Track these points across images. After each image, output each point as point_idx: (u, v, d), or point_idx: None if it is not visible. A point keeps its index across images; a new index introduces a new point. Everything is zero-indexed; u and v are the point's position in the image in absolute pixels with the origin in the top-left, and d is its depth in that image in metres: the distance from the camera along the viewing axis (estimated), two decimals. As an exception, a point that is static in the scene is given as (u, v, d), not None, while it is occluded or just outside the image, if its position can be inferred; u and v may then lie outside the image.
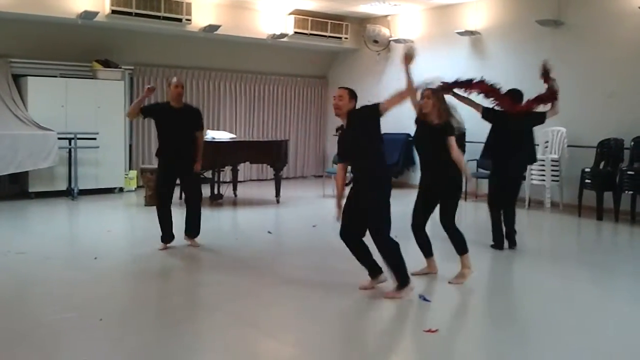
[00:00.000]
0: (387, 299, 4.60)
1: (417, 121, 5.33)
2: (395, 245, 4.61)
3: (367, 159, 4.64)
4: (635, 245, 7.40)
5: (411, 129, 12.51)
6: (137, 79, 11.09)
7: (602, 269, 5.93)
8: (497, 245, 6.49)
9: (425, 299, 4.63)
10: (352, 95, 4.73)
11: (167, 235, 6.34)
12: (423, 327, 4.05)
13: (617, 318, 4.43)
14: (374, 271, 4.85)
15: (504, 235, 6.54)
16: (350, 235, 4.74)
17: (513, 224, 6.56)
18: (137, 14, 9.83)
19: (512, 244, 6.55)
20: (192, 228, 6.46)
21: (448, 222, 5.18)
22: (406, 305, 4.62)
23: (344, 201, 4.75)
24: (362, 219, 4.62)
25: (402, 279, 4.63)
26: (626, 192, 8.13)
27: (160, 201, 6.35)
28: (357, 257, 4.85)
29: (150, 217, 8.36)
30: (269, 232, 7.42)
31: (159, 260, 5.91)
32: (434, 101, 5.13)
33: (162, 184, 6.33)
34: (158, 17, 10.04)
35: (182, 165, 6.25)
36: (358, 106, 4.74)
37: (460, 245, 5.20)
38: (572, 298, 4.94)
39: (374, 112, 4.61)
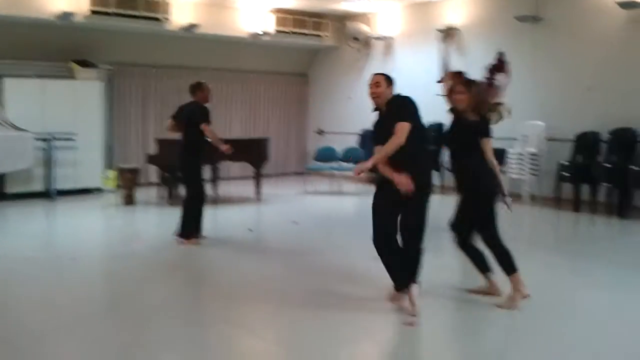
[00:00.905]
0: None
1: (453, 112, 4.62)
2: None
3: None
4: (613, 235, 7.48)
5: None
6: (116, 79, 11.03)
7: (580, 259, 5.99)
8: None
9: None
10: (389, 81, 4.41)
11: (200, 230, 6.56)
12: (403, 321, 4.06)
13: (596, 305, 4.47)
14: (404, 282, 4.28)
15: None
16: (389, 237, 4.24)
17: None
18: (115, 14, 9.77)
19: None
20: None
21: (485, 236, 4.50)
22: (386, 299, 4.63)
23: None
24: (395, 216, 4.22)
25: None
26: (603, 184, 8.23)
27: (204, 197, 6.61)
28: (392, 264, 4.29)
29: (129, 217, 8.34)
30: (250, 229, 7.40)
31: (137, 260, 5.86)
32: (469, 95, 4.46)
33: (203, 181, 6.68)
34: (137, 17, 9.99)
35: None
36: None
37: (504, 263, 4.44)
38: (552, 287, 4.98)
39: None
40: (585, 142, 8.68)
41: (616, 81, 8.66)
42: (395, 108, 4.28)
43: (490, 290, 4.53)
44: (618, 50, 8.66)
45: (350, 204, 9.83)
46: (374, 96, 4.36)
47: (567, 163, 8.61)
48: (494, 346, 3.76)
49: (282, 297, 4.71)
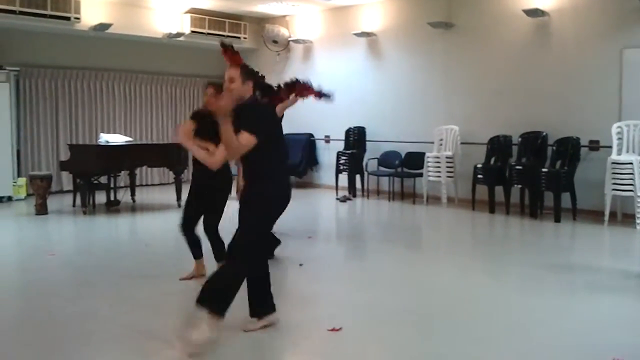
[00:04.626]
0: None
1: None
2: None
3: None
4: (525, 236, 7.81)
5: (314, 129, 12.62)
6: (24, 81, 10.52)
7: (494, 260, 6.21)
8: None
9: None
10: (248, 76, 3.85)
11: None
12: (326, 327, 4.06)
13: (510, 307, 4.64)
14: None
15: None
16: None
17: None
18: (21, 12, 9.32)
19: None
20: None
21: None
22: (308, 305, 4.63)
23: None
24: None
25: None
26: (515, 185, 8.58)
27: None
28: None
29: (41, 227, 7.95)
30: (146, 245, 7.21)
31: (48, 273, 5.59)
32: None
33: None
34: (44, 16, 9.57)
35: None
36: None
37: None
38: (468, 289, 5.14)
39: None
40: (498, 145, 9.04)
41: (525, 86, 9.07)
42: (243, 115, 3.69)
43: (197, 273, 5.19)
44: (525, 56, 9.08)
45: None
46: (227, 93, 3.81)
47: (481, 166, 8.93)
48: (415, 350, 3.83)
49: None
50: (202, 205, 5.04)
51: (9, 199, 9.78)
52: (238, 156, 3.72)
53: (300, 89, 5.91)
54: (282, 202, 3.85)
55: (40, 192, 8.59)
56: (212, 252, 5.10)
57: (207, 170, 4.48)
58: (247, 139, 3.57)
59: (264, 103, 3.99)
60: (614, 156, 7.82)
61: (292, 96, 5.88)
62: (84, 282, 5.33)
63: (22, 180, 10.00)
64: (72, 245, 7.14)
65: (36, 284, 5.24)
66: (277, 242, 5.93)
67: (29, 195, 9.78)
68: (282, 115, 5.83)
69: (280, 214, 3.90)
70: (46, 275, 5.49)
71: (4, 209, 9.17)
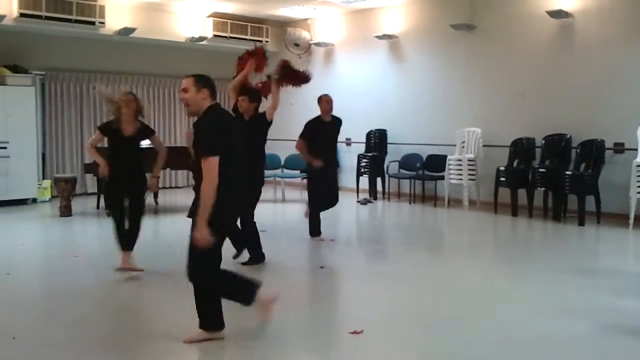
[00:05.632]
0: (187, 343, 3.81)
1: None
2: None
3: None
4: (548, 239, 7.74)
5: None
6: (49, 85, 10.70)
7: (517, 264, 6.15)
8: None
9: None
10: (201, 84, 3.72)
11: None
12: (348, 330, 4.06)
13: (530, 310, 4.60)
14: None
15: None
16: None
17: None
18: (47, 17, 9.49)
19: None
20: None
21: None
22: (330, 308, 4.64)
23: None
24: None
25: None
26: (538, 188, 8.50)
27: None
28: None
29: (66, 229, 8.06)
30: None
31: (74, 274, 5.67)
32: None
33: None
34: (70, 21, 9.73)
35: None
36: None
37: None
38: (491, 293, 5.10)
39: None
40: (521, 148, 8.96)
41: (548, 88, 8.98)
42: (201, 132, 3.70)
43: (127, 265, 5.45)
44: (549, 58, 8.99)
45: (294, 210, 9.81)
46: (183, 104, 3.82)
47: (504, 168, 8.86)
48: (437, 354, 3.82)
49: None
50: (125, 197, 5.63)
51: (34, 201, 9.93)
52: (215, 176, 3.50)
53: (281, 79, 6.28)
54: (233, 218, 3.89)
55: (65, 194, 8.72)
56: (130, 240, 5.48)
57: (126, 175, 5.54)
58: (212, 164, 3.49)
59: (220, 110, 3.90)
60: (639, 159, 7.71)
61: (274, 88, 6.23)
62: (108, 284, 5.40)
63: (47, 183, 10.15)
64: (96, 247, 7.22)
65: (61, 286, 5.31)
66: (262, 258, 5.88)
67: (53, 197, 9.92)
68: (271, 120, 6.07)
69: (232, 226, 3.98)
70: (71, 277, 5.57)
71: (29, 211, 9.31)
